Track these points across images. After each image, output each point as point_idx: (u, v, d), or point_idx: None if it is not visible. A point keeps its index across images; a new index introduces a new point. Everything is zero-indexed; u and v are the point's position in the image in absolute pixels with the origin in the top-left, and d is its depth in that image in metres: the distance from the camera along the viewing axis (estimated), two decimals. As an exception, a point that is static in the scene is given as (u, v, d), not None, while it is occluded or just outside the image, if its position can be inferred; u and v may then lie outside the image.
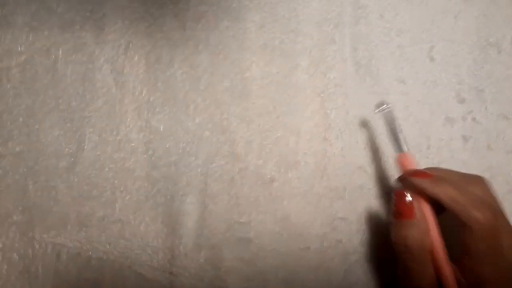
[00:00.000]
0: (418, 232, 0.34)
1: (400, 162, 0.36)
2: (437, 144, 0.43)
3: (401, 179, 0.36)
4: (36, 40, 0.42)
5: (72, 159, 0.41)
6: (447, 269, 0.33)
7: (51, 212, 0.41)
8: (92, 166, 0.42)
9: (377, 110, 0.37)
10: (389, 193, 0.42)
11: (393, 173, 0.42)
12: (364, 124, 0.41)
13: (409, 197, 0.34)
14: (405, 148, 0.36)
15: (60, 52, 0.42)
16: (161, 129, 0.42)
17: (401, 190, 0.35)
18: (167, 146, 0.42)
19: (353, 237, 0.42)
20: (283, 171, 0.42)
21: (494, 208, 0.33)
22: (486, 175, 0.43)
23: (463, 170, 0.42)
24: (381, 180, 0.42)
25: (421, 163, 0.42)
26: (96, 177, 0.41)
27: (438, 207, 0.34)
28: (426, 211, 0.34)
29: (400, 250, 0.34)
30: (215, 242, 0.41)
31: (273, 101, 0.43)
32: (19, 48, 0.42)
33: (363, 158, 0.42)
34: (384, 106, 0.36)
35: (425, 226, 0.34)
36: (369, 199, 0.42)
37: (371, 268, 0.41)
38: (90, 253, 0.41)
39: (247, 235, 0.41)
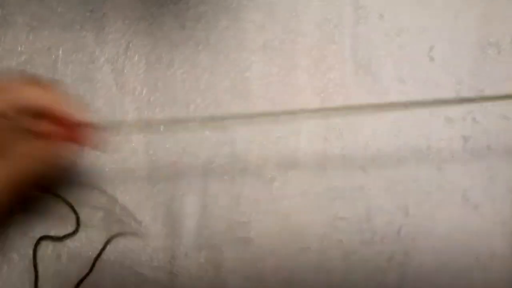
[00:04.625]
0: None
1: None
2: (437, 144, 0.43)
3: None
4: (37, 40, 0.42)
5: (72, 159, 0.41)
6: None
7: (51, 212, 0.41)
8: (93, 167, 0.42)
9: None
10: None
11: (393, 173, 0.42)
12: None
13: None
14: None
15: (60, 52, 0.42)
16: (161, 129, 0.42)
17: None
18: (167, 146, 0.42)
19: (353, 237, 0.42)
20: (283, 171, 0.42)
21: None
22: (486, 175, 0.43)
23: (463, 170, 0.42)
24: (381, 180, 0.42)
25: (421, 162, 0.42)
26: (97, 177, 0.41)
27: None
28: None
29: None
30: (215, 242, 0.41)
31: (273, 101, 0.43)
32: (19, 48, 0.42)
33: (363, 158, 0.42)
34: None
35: None
36: (369, 199, 0.42)
37: (371, 268, 0.41)
38: (90, 253, 0.41)
39: (247, 235, 0.41)
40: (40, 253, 0.41)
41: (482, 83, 0.43)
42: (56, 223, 0.41)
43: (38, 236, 0.41)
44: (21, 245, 0.41)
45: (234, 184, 0.42)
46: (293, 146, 0.42)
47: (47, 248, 0.41)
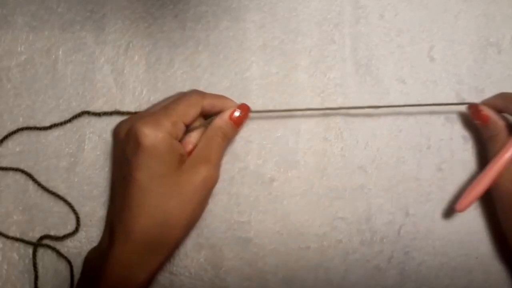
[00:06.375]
0: (496, 128, 0.39)
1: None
2: (437, 144, 0.43)
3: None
4: (37, 40, 0.42)
5: (73, 159, 0.42)
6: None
7: (51, 212, 0.41)
8: (93, 166, 0.42)
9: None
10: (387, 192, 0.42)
11: (393, 173, 0.42)
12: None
13: (480, 107, 0.40)
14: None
15: (60, 52, 0.42)
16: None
17: (473, 104, 0.41)
18: (167, 146, 0.42)
19: (353, 237, 0.42)
20: (283, 170, 0.42)
21: None
22: (486, 175, 0.43)
23: (462, 170, 0.42)
24: (381, 180, 0.42)
25: (421, 163, 0.42)
26: (97, 177, 0.41)
27: None
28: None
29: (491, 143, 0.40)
30: (215, 241, 0.41)
31: (273, 101, 0.43)
32: (19, 48, 0.42)
33: (363, 158, 0.42)
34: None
35: (502, 123, 0.39)
36: (369, 199, 0.42)
37: (371, 267, 0.41)
38: (90, 253, 0.41)
39: (247, 235, 0.41)
40: (40, 253, 0.41)
41: (482, 83, 0.43)
42: (56, 223, 0.41)
43: (38, 236, 0.41)
44: (21, 245, 0.41)
45: (234, 184, 0.42)
46: (293, 146, 0.42)
47: (47, 248, 0.41)
